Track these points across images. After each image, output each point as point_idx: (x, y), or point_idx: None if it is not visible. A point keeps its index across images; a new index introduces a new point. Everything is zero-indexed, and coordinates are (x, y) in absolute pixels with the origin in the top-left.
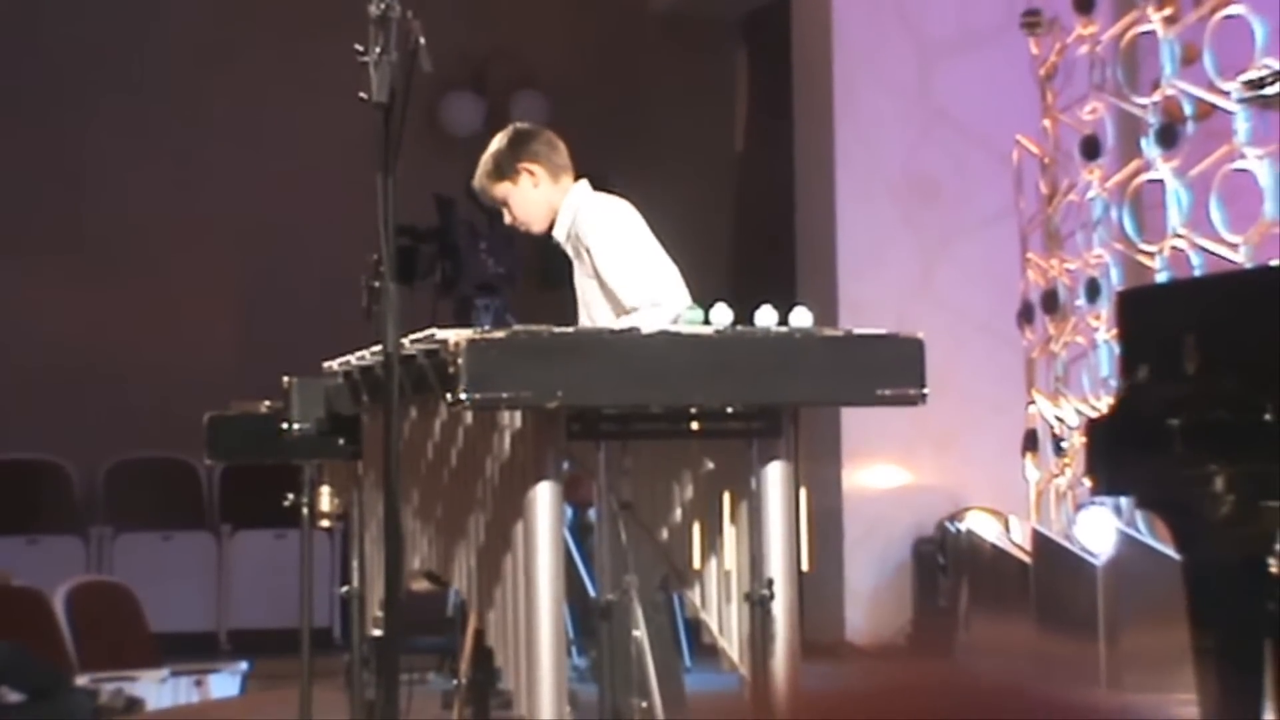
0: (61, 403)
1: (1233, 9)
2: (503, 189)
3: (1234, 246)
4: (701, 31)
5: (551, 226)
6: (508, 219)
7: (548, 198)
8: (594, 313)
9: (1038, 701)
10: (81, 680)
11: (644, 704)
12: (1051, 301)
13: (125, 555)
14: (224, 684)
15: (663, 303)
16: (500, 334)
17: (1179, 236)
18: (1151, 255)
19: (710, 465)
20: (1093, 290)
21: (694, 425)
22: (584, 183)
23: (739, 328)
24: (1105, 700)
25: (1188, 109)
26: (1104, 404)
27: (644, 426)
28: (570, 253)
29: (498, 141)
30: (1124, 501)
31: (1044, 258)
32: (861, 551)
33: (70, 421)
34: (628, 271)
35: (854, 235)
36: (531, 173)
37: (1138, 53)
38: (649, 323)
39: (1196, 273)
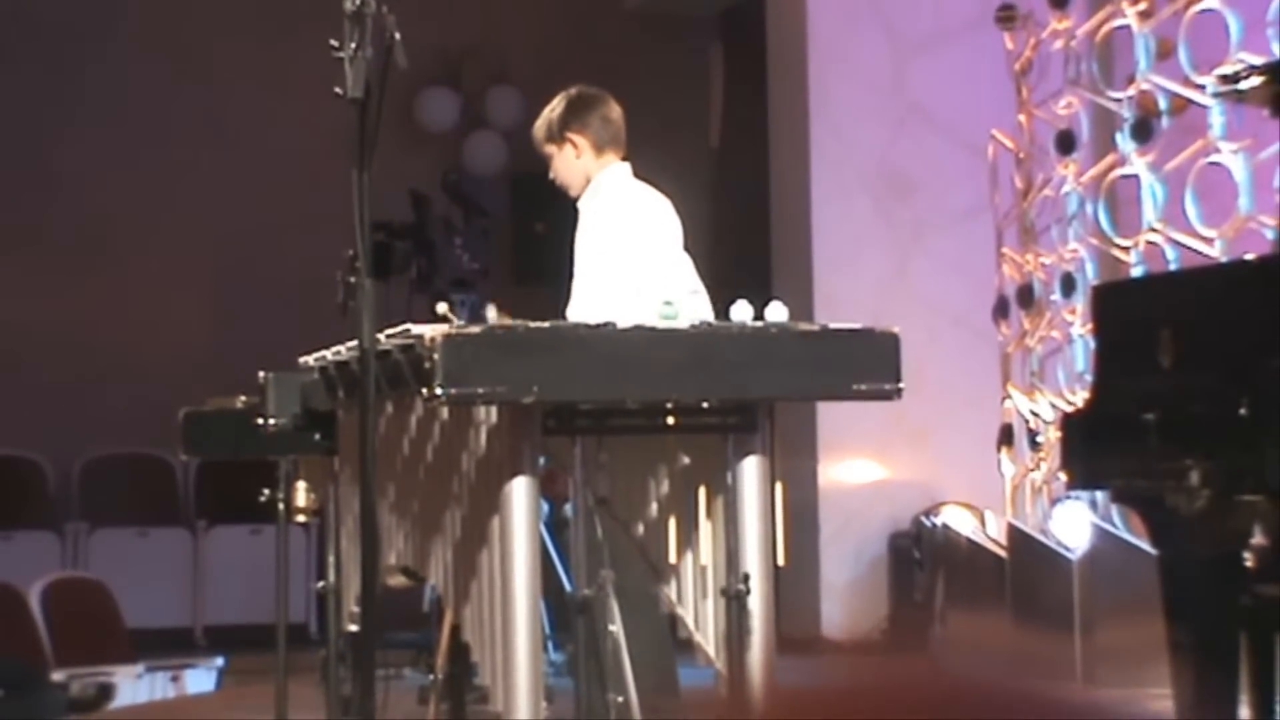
0: (37, 398)
1: (1207, 3)
2: (549, 149)
3: (1209, 241)
4: (676, 27)
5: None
6: (551, 175)
7: (586, 168)
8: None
9: (1013, 697)
10: (57, 676)
11: (620, 699)
12: (1027, 296)
13: (101, 551)
14: (200, 679)
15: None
16: (476, 329)
17: (1154, 231)
18: (1127, 250)
19: (686, 460)
20: (1068, 285)
21: (670, 420)
22: (625, 166)
23: (715, 323)
24: (1080, 695)
25: (1163, 104)
26: (1079, 398)
27: (620, 422)
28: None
29: (557, 102)
30: (1099, 496)
31: (1019, 252)
32: (837, 546)
33: (46, 417)
34: (588, 273)
35: (829, 230)
36: (575, 144)
37: (1113, 47)
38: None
39: (1172, 267)
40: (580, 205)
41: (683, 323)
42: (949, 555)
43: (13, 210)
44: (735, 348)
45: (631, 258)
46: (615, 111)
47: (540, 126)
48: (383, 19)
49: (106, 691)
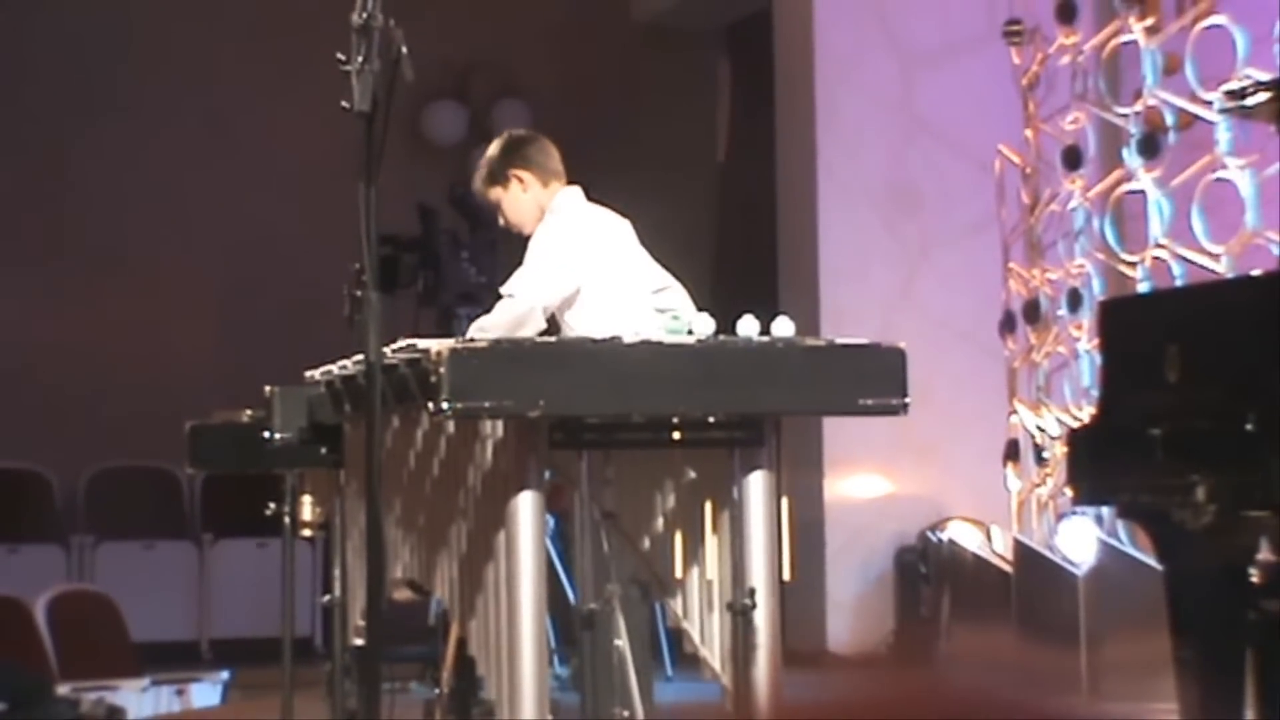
0: (43, 411)
1: (1215, 19)
2: (495, 193)
3: (1215, 257)
4: (684, 41)
5: None
6: (501, 221)
7: (537, 201)
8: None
9: (1019, 711)
10: (62, 690)
11: (626, 713)
12: (1033, 311)
13: (106, 564)
14: (205, 693)
15: (517, 295)
16: (482, 343)
17: (1160, 247)
18: (1133, 265)
19: (692, 474)
20: (1074, 300)
21: (676, 435)
22: (574, 190)
23: (721, 337)
24: (1086, 709)
25: (1169, 119)
26: (1085, 414)
27: (626, 436)
28: None
29: (493, 147)
30: (1105, 511)
31: (1026, 267)
32: (843, 561)
33: (52, 430)
34: (528, 262)
35: (836, 245)
36: (521, 179)
37: (1120, 63)
38: (497, 310)
39: (1178, 283)
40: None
41: (689, 337)
42: (955, 570)
43: (20, 224)
44: (742, 362)
45: (584, 260)
46: (552, 148)
47: (481, 173)
48: (390, 32)
49: (116, 714)
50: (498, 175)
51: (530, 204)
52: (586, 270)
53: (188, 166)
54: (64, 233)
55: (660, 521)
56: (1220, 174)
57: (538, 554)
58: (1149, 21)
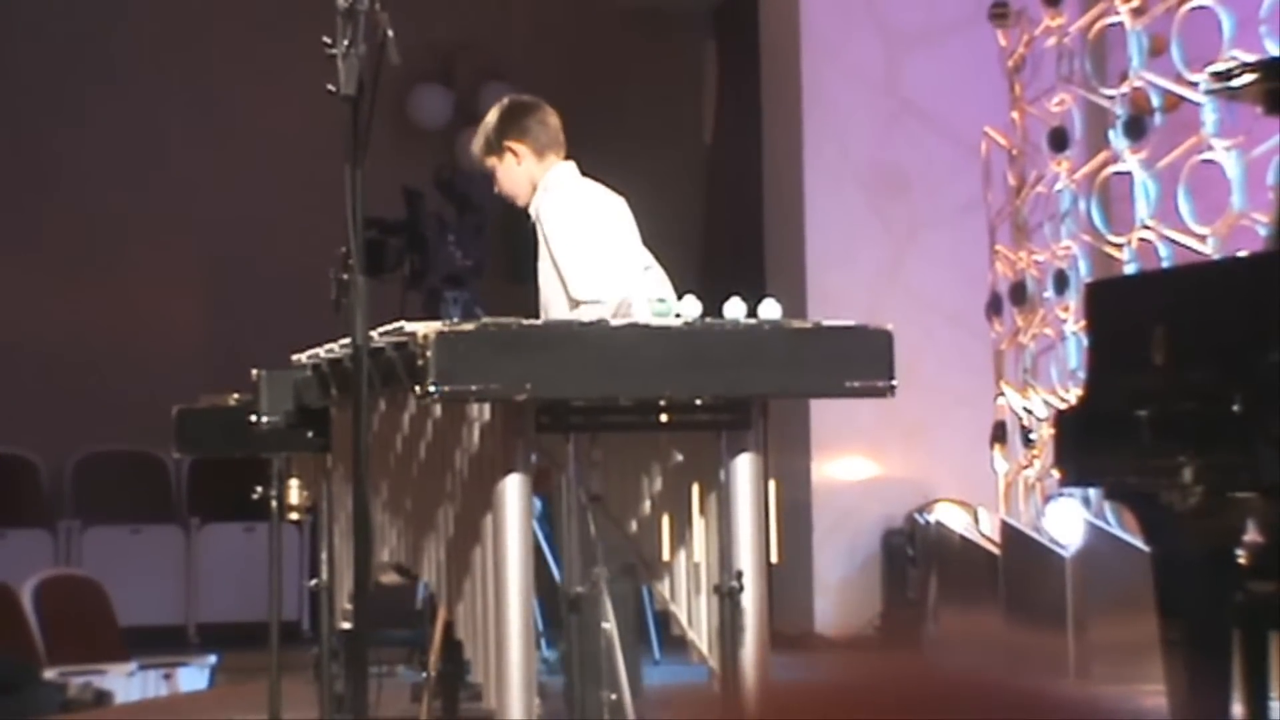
0: (30, 396)
1: (1200, 0)
2: (490, 162)
3: (1202, 238)
4: (670, 24)
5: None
6: (496, 189)
7: (530, 174)
8: (549, 301)
9: (1006, 693)
10: (49, 674)
11: (613, 696)
12: (1020, 293)
13: (94, 548)
14: (192, 677)
15: (605, 300)
16: (469, 326)
17: (1147, 228)
18: (1119, 247)
19: (679, 457)
20: (1061, 282)
21: (663, 417)
22: (569, 165)
23: (708, 319)
24: (1073, 691)
25: (1155, 101)
26: (1072, 396)
27: (613, 419)
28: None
29: (492, 114)
30: (1092, 493)
31: (1012, 249)
32: (830, 543)
33: (39, 414)
34: (575, 262)
35: (823, 227)
36: (515, 151)
37: (1105, 44)
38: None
39: (1164, 264)
40: (531, 209)
41: (676, 320)
42: (942, 552)
43: (6, 208)
44: (729, 345)
45: (602, 238)
46: (552, 116)
47: (478, 141)
48: (375, 16)
49: (103, 698)
50: (493, 145)
51: (523, 177)
52: (614, 253)
53: (175, 149)
54: (51, 217)
55: (647, 504)
56: (1206, 155)
57: (525, 537)
58: (1134, 3)
